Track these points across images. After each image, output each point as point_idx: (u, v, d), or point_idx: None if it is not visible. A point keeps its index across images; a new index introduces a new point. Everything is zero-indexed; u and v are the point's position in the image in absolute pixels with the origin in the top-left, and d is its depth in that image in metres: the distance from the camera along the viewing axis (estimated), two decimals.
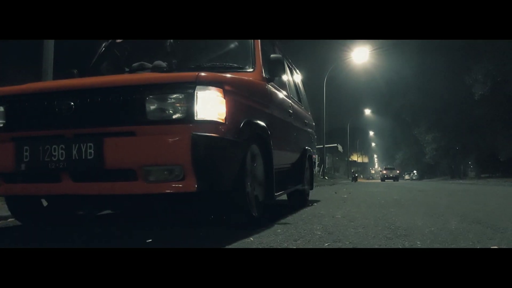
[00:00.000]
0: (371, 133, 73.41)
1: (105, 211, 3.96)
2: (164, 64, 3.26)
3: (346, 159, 47.76)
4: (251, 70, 3.16)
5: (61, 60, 6.18)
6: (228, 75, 2.58)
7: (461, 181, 26.27)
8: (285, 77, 4.12)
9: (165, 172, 2.15)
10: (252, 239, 2.30)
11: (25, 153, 2.28)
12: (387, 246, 2.08)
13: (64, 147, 2.23)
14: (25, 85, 2.53)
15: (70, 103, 2.27)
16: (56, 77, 5.42)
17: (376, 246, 2.08)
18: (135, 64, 3.29)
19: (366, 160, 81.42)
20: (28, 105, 2.36)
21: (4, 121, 2.41)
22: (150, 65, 3.26)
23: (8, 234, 2.80)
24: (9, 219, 3.37)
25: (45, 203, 3.09)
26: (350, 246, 2.08)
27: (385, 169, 42.27)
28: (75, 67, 3.54)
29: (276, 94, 3.53)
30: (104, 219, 3.57)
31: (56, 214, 3.13)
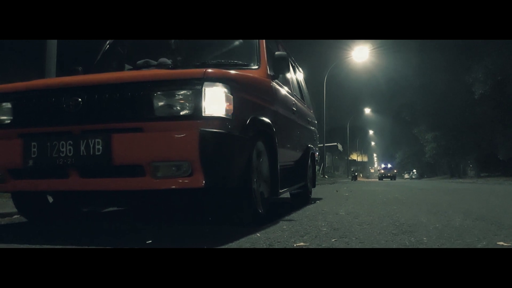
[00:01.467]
0: (371, 132, 73.41)
1: (109, 208, 3.97)
2: (169, 61, 3.27)
3: (346, 158, 47.73)
4: (256, 67, 3.17)
5: (63, 58, 6.18)
6: (235, 72, 2.59)
7: (460, 180, 26.31)
8: (289, 75, 4.13)
9: (173, 168, 2.16)
10: (258, 234, 2.32)
11: (33, 149, 2.29)
12: (394, 242, 2.09)
13: (72, 143, 2.24)
14: (32, 82, 2.54)
15: (78, 99, 2.28)
16: (59, 75, 5.42)
17: (383, 242, 2.10)
18: (140, 61, 3.31)
19: (365, 159, 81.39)
20: (35, 101, 2.37)
21: (12, 117, 2.42)
22: (155, 62, 3.27)
23: (13, 231, 2.81)
24: (15, 216, 3.38)
25: (50, 199, 3.10)
26: (357, 242, 2.10)
27: (383, 168, 42.67)
28: (78, 65, 3.55)
29: (280, 91, 3.54)
30: (109, 216, 3.59)
31: (61, 211, 3.14)
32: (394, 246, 1.98)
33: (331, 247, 1.95)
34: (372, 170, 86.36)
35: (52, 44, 5.34)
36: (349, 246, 1.98)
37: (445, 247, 1.96)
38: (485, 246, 1.98)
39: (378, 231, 2.48)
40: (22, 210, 3.05)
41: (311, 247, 1.96)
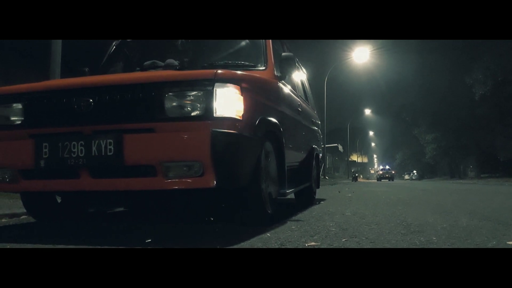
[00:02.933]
0: (371, 133, 73.51)
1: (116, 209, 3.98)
2: (176, 62, 3.28)
3: (346, 159, 47.78)
4: (263, 68, 3.18)
5: (67, 60, 6.18)
6: (244, 73, 2.61)
7: (461, 181, 26.32)
8: (294, 76, 4.15)
9: (184, 168, 2.17)
10: (269, 234, 2.33)
11: (44, 150, 2.30)
12: (404, 242, 2.11)
13: (83, 143, 2.25)
14: (43, 82, 2.56)
15: (89, 100, 2.29)
16: (63, 76, 5.43)
17: (394, 242, 2.11)
18: (147, 63, 3.31)
19: (365, 160, 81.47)
20: (46, 102, 2.38)
21: (23, 118, 2.43)
22: (162, 63, 3.28)
23: (22, 231, 2.82)
24: (22, 216, 3.39)
25: (59, 199, 3.11)
26: (368, 242, 2.11)
27: (381, 169, 43.43)
28: (80, 66, 3.56)
29: (287, 92, 3.55)
30: (114, 216, 3.59)
31: (69, 211, 3.15)
32: (405, 246, 1.99)
33: (343, 247, 1.96)
34: (372, 171, 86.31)
35: (57, 45, 5.34)
36: (360, 246, 1.99)
37: (455, 246, 1.98)
38: (495, 246, 2.00)
39: (387, 231, 2.50)
40: (30, 210, 3.06)
41: (322, 246, 1.98)
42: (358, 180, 34.02)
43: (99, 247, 1.99)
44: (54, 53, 5.34)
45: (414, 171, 54.46)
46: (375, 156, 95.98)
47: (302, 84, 4.96)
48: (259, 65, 3.21)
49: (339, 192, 8.64)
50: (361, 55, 23.54)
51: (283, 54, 3.32)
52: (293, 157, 3.74)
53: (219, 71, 2.28)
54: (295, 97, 4.00)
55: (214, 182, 2.18)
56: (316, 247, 1.97)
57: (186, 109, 2.22)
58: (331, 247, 1.97)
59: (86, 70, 3.48)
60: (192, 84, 2.25)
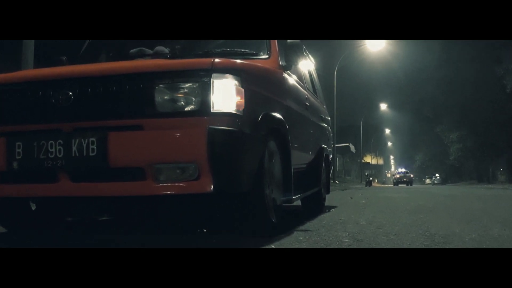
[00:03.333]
0: (387, 131, 73.55)
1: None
2: (166, 50, 3.27)
3: (359, 160, 47.84)
4: (266, 56, 3.19)
5: (42, 47, 6.18)
6: (245, 62, 2.61)
7: (490, 185, 26.32)
8: (301, 66, 4.15)
9: (178, 171, 2.18)
10: (273, 246, 2.34)
11: (17, 150, 2.30)
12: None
13: (62, 142, 2.25)
14: (16, 73, 2.56)
15: (69, 93, 2.29)
16: (38, 66, 5.43)
17: None
18: (133, 50, 3.29)
19: (381, 162, 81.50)
20: (20, 95, 2.39)
21: None
22: (150, 51, 3.27)
23: None
24: None
25: (33, 207, 3.11)
26: None
27: (398, 173, 43.71)
28: (58, 55, 3.55)
29: (293, 84, 3.56)
30: (98, 225, 3.60)
31: (45, 219, 3.15)
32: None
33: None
34: (388, 175, 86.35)
35: None
36: None
37: None
38: None
39: (408, 243, 2.51)
40: (1, 219, 3.06)
41: None
42: (373, 184, 34.09)
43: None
44: (26, 41, 5.34)
45: (437, 175, 54.59)
46: (391, 157, 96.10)
47: (310, 75, 4.97)
48: (262, 53, 3.21)
49: (352, 198, 8.65)
50: (376, 41, 23.53)
51: (288, 40, 3.31)
52: (300, 158, 3.74)
53: (217, 60, 2.29)
54: (302, 89, 4.01)
55: (211, 187, 2.18)
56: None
57: (179, 103, 2.23)
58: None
59: (64, 58, 3.46)
60: (186, 74, 2.26)
